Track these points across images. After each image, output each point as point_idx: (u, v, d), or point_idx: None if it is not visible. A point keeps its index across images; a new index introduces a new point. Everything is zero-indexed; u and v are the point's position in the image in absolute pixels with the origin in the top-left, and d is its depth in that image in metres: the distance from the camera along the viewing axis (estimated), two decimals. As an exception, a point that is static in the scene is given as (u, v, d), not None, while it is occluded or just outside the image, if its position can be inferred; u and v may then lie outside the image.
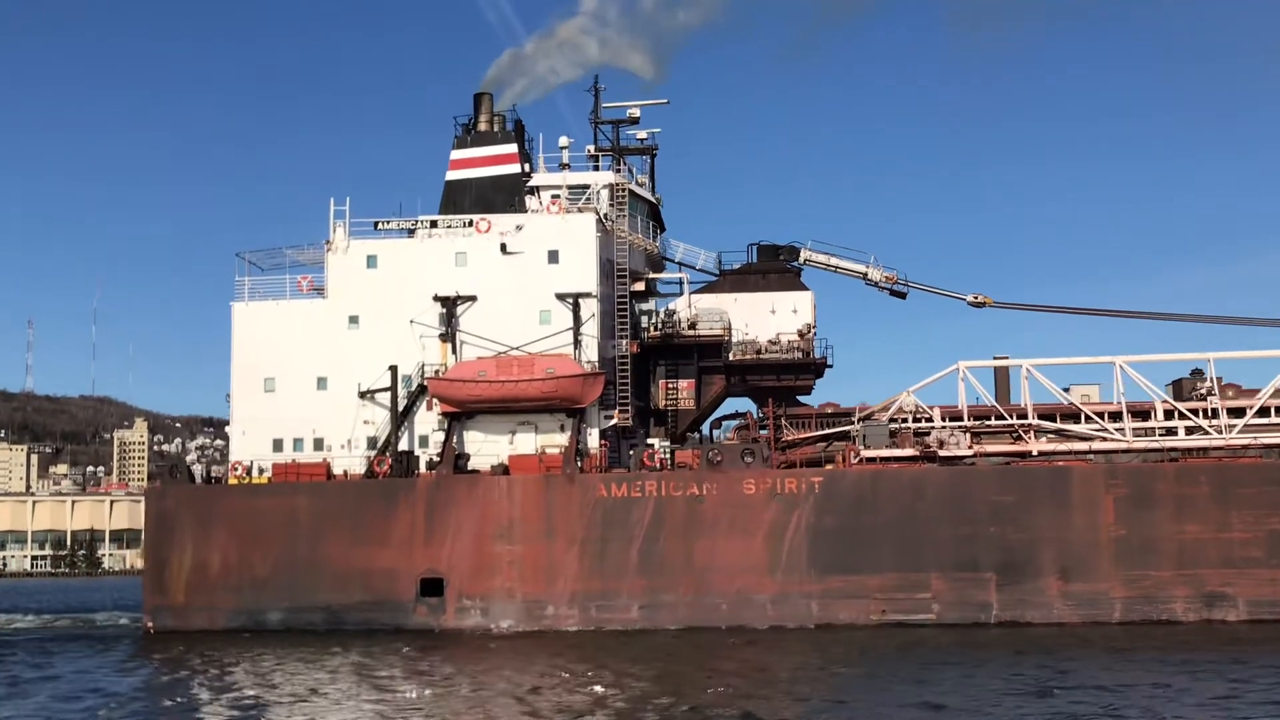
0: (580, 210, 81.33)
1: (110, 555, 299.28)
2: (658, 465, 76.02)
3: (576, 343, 78.57)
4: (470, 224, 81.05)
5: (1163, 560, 72.21)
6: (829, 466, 77.33)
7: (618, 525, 74.25)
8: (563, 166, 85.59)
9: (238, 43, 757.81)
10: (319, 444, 79.76)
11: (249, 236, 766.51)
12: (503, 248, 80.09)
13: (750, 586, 73.52)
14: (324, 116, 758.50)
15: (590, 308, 79.04)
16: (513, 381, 76.20)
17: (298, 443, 79.87)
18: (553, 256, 79.91)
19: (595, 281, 79.35)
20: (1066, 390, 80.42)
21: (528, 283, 79.63)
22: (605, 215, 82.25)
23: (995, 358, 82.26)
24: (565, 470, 75.52)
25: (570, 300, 78.86)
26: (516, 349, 78.49)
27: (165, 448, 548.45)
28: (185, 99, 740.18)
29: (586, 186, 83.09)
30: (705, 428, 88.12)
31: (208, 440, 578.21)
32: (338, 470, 78.47)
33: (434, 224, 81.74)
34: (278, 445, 79.85)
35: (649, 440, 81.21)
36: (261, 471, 78.73)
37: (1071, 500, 72.83)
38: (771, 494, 73.89)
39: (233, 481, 78.94)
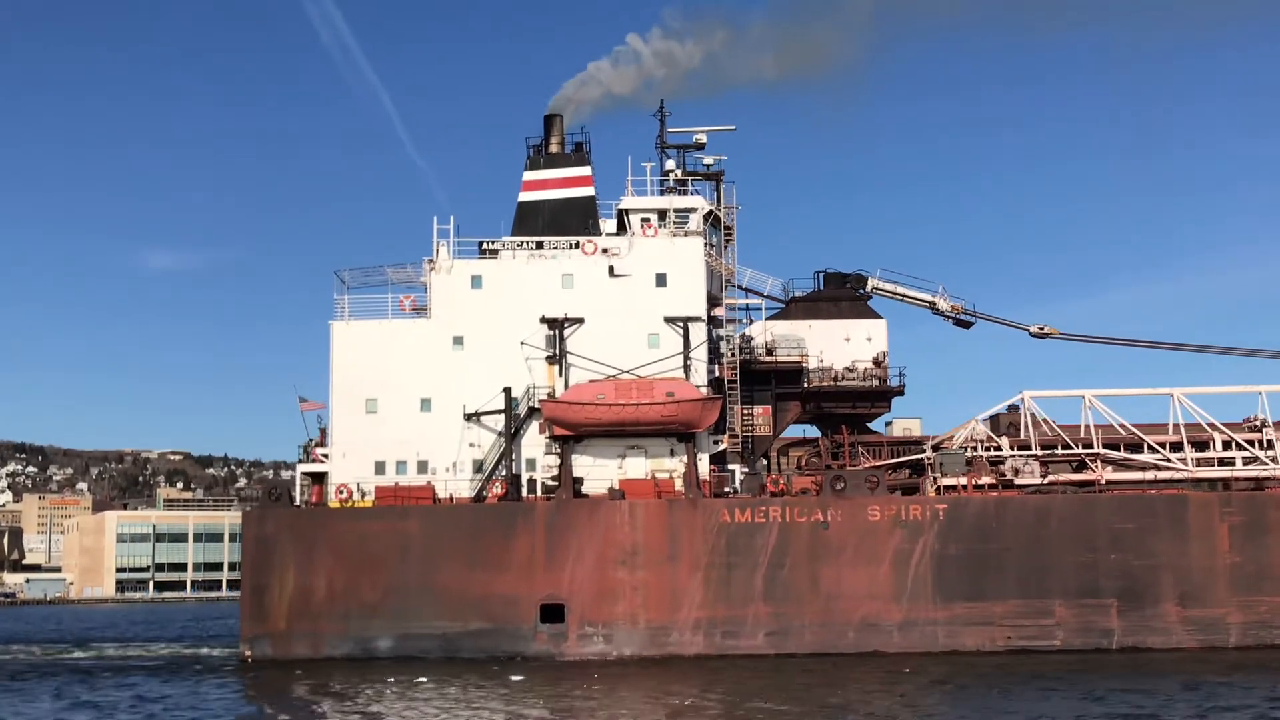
0: (686, 234, 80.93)
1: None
2: (779, 490, 75.91)
3: (686, 367, 78.11)
4: (576, 245, 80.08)
5: (1276, 586, 74.63)
6: (929, 493, 78.04)
7: (742, 550, 73.91)
8: (667, 191, 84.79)
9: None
10: (423, 466, 77.65)
11: (67, 240, 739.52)
12: (610, 270, 79.26)
13: (876, 613, 73.80)
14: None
15: (700, 332, 78.75)
16: (633, 405, 75.30)
17: (400, 465, 77.66)
18: (660, 280, 79.45)
19: (704, 305, 79.16)
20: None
21: (636, 305, 79.02)
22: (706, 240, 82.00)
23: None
24: (687, 495, 74.93)
25: (680, 324, 78.43)
26: (626, 372, 77.64)
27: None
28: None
29: (691, 210, 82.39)
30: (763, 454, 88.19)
31: (19, 467, 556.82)
32: (442, 494, 76.48)
33: (540, 245, 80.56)
34: (379, 468, 77.57)
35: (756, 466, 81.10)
36: (364, 495, 76.11)
37: (1188, 527, 74.87)
38: (896, 520, 74.37)
39: (334, 505, 76.17)
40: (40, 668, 74.54)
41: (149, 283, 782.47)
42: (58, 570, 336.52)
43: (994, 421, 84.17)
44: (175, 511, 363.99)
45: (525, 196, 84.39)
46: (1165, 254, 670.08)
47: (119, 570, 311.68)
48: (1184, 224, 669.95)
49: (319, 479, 79.38)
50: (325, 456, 78.39)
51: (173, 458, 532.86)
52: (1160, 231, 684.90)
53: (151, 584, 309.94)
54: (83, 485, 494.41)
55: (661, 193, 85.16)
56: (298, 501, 78.40)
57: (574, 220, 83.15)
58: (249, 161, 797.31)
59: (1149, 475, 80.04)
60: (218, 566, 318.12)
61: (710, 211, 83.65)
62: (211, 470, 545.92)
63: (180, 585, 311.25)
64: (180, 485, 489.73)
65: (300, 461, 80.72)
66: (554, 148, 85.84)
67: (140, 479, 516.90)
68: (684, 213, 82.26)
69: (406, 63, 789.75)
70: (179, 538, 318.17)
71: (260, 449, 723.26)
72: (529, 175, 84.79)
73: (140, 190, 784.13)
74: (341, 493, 76.24)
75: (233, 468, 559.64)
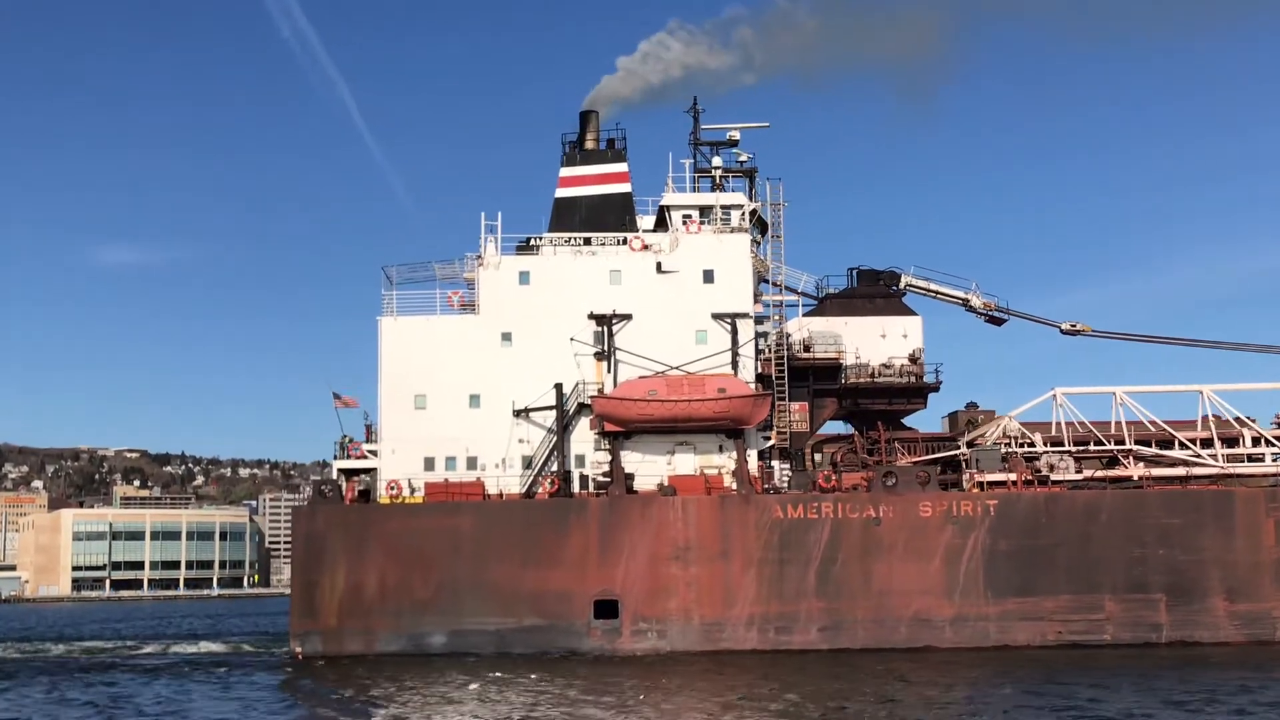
0: (733, 231, 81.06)
1: None
2: (831, 486, 76.08)
3: (734, 363, 78.21)
4: (623, 241, 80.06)
5: (1320, 581, 75.60)
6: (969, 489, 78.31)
7: (795, 546, 74.03)
8: (715, 186, 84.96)
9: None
10: (472, 463, 77.34)
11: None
12: (658, 266, 79.27)
13: (928, 609, 74.11)
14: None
15: (747, 328, 78.92)
16: (685, 401, 75.30)
17: (450, 461, 77.29)
18: (708, 276, 79.53)
19: (751, 302, 79.31)
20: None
21: (683, 302, 79.06)
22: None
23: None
24: (739, 491, 75.04)
25: (728, 320, 78.55)
26: (674, 369, 77.68)
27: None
28: None
29: (735, 207, 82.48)
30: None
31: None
32: (492, 490, 76.21)
33: (587, 241, 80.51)
34: (429, 464, 77.20)
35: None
36: (414, 491, 75.73)
37: (1235, 523, 75.66)
38: (947, 516, 74.75)
39: (384, 501, 75.72)
40: (76, 664, 73.53)
41: (104, 279, 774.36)
42: (12, 569, 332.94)
43: (952, 419, 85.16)
44: (132, 509, 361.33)
45: (562, 193, 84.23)
46: (1172, 246, 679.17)
47: (75, 569, 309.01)
48: (1196, 216, 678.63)
49: (354, 475, 78.96)
50: (372, 453, 77.88)
51: (129, 455, 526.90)
52: (1171, 224, 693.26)
53: (108, 582, 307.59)
54: (38, 483, 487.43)
55: (704, 188, 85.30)
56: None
57: (611, 216, 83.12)
58: (210, 158, 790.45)
59: (1180, 471, 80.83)
60: (174, 565, 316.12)
61: (753, 209, 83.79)
62: (169, 468, 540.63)
63: (137, 584, 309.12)
64: (137, 483, 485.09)
65: (337, 458, 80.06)
66: (590, 144, 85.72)
67: (96, 477, 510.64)
68: (728, 209, 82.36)
69: (368, 56, 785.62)
70: (136, 536, 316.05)
71: (218, 447, 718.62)
72: (565, 171, 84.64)
73: (95, 185, 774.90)
74: (392, 489, 75.73)
75: (190, 465, 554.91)
